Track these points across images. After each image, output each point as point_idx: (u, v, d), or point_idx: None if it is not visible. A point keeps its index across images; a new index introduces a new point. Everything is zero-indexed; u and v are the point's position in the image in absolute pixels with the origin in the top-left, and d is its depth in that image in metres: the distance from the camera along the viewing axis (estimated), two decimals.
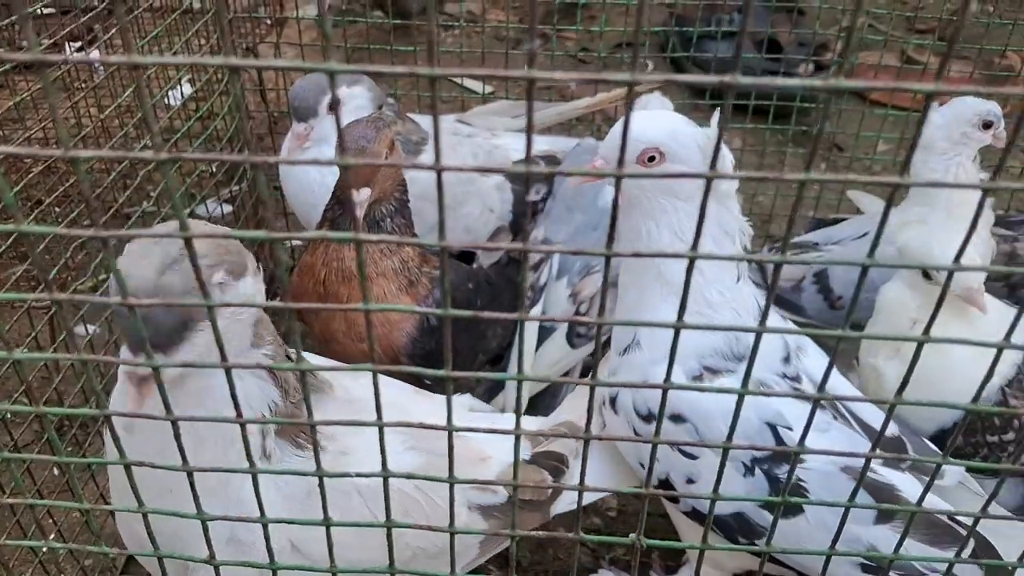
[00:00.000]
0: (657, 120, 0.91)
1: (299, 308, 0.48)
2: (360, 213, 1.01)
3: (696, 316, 0.92)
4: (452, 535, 0.56)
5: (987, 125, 1.19)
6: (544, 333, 1.32)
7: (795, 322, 1.33)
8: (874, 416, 0.96)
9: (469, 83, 2.45)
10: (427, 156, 1.33)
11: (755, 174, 0.43)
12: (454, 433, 1.05)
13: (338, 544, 0.56)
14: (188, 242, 0.44)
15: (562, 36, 2.66)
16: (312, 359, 1.02)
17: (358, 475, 0.54)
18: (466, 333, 1.19)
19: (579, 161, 1.40)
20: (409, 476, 0.54)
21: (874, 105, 2.28)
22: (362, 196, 1.00)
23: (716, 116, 0.91)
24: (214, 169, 1.79)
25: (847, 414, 0.94)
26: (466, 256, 1.37)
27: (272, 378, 0.79)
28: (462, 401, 1.17)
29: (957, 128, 1.18)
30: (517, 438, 0.51)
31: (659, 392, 0.95)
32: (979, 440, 1.04)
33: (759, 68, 2.22)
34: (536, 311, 1.32)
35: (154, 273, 0.64)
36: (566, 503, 1.04)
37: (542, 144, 1.51)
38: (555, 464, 1.03)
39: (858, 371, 1.14)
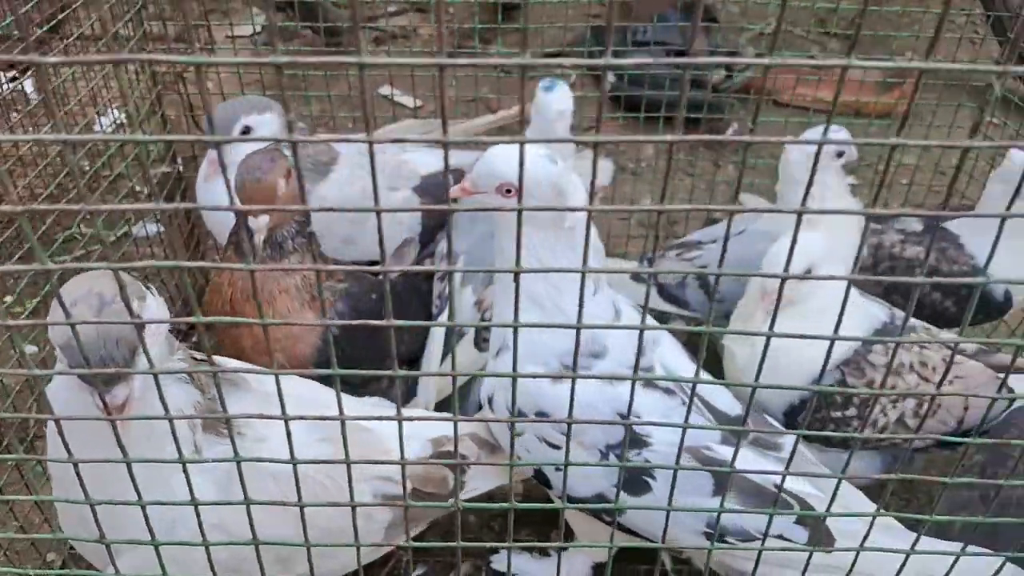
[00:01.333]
0: (515, 157, 1.01)
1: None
2: (259, 239, 1.11)
3: (552, 322, 1.03)
4: (302, 508, 0.66)
5: (840, 154, 1.35)
6: (453, 338, 1.42)
7: (680, 316, 1.46)
8: (724, 401, 1.08)
9: (399, 98, 2.55)
10: (337, 175, 1.43)
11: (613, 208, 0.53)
12: (362, 427, 1.15)
13: (256, 522, 0.67)
14: (60, 275, 0.54)
15: (486, 53, 2.76)
16: (228, 362, 1.13)
17: (208, 459, 0.64)
18: (371, 340, 1.29)
19: None
20: (258, 459, 0.65)
21: (785, 107, 2.42)
22: (259, 223, 1.10)
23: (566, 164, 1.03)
24: (147, 190, 1.87)
25: (697, 400, 1.05)
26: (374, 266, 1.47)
27: (191, 379, 0.90)
28: (372, 402, 1.28)
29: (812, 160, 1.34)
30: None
31: (526, 392, 1.07)
32: (825, 415, 1.17)
33: (671, 79, 2.32)
34: (443, 319, 1.42)
35: (94, 317, 0.75)
36: (468, 494, 1.16)
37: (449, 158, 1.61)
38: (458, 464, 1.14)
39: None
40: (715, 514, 0.99)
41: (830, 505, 0.75)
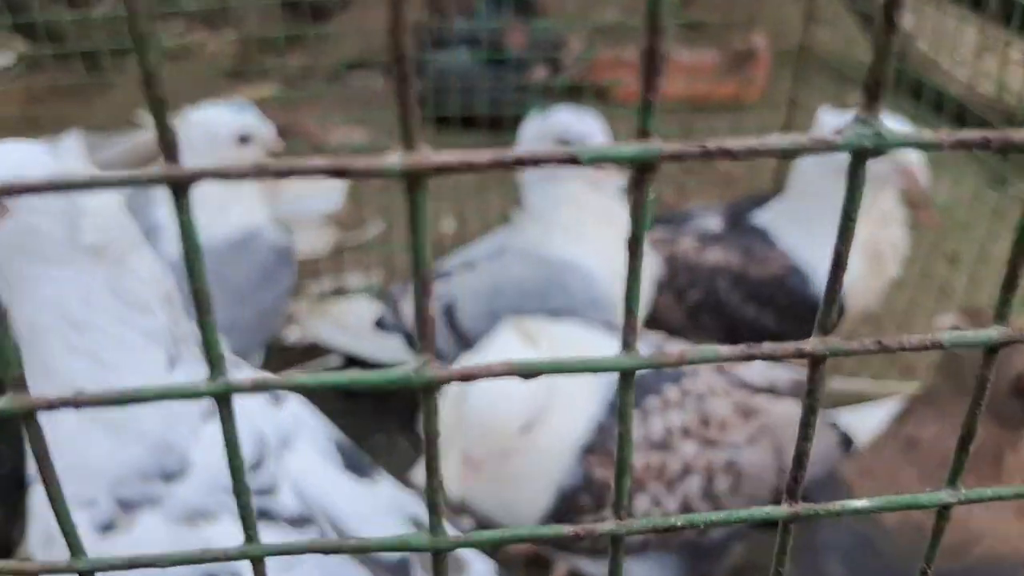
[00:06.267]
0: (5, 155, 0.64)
1: None
2: None
3: (104, 426, 0.64)
4: None
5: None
6: None
7: None
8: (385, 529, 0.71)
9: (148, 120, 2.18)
10: None
11: None
12: None
13: None
14: None
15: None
16: None
17: None
18: None
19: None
20: None
21: (618, 105, 2.19)
22: None
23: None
24: None
25: (338, 534, 0.68)
26: None
27: None
28: None
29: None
30: None
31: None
32: (578, 522, 0.81)
33: (485, 77, 2.02)
34: None
35: None
36: None
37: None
38: None
39: None
40: None
41: None
